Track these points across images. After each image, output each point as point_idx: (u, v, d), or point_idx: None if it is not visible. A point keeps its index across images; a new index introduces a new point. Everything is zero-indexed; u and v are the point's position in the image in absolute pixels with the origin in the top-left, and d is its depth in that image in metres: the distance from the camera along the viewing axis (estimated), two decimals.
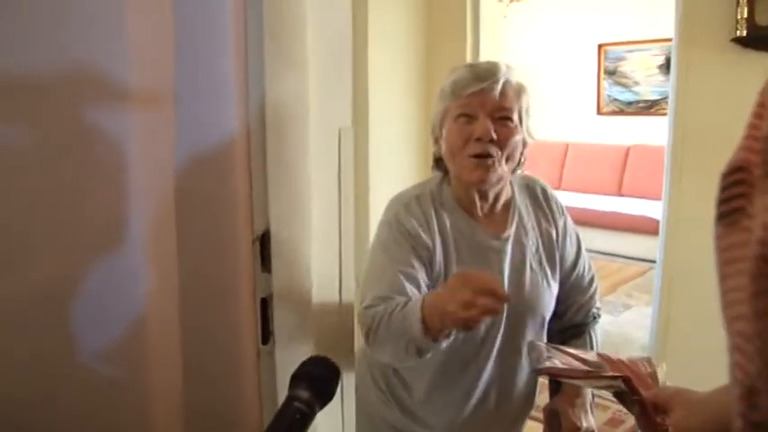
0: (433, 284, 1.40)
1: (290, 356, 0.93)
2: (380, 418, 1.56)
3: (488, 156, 1.37)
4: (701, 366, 2.70)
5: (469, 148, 1.39)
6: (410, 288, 1.34)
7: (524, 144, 1.45)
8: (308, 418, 0.78)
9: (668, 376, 2.78)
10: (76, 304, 0.80)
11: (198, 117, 0.87)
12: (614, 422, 3.24)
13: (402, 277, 1.35)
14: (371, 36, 3.09)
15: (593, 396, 1.58)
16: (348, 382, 1.15)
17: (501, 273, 1.44)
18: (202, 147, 0.88)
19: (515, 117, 1.40)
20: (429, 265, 1.40)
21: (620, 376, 0.94)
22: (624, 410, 3.29)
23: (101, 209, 0.83)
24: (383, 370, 1.54)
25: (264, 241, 0.95)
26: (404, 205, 1.44)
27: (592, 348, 1.57)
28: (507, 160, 1.40)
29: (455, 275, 1.19)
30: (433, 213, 1.44)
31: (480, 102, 1.37)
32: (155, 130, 0.84)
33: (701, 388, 2.69)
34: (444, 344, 1.23)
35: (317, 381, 0.82)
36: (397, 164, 3.29)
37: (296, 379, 0.82)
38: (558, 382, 1.58)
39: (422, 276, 1.38)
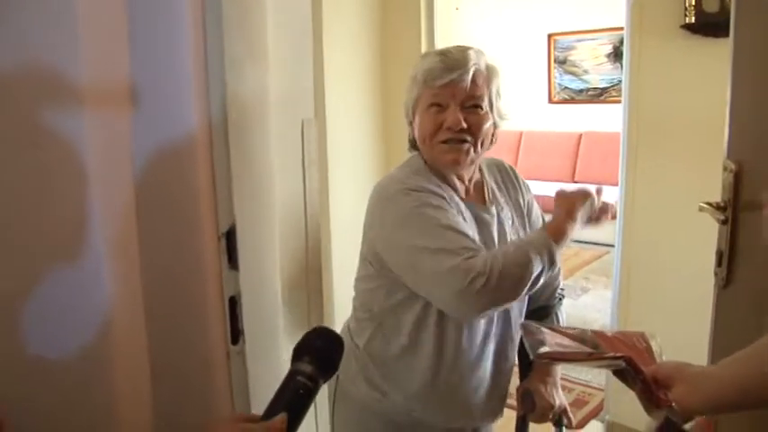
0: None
1: (262, 356, 0.90)
2: (375, 415, 1.53)
3: (460, 141, 1.39)
4: (661, 341, 2.75)
5: (440, 135, 1.40)
6: (473, 236, 1.36)
7: (495, 126, 1.47)
8: (311, 392, 0.76)
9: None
10: (39, 307, 0.77)
11: (156, 112, 0.84)
12: (579, 403, 3.29)
13: (461, 229, 1.32)
14: (326, 30, 3.05)
15: (563, 387, 1.60)
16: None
17: (493, 243, 1.46)
18: (162, 143, 0.85)
19: (485, 104, 1.42)
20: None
21: (623, 356, 0.94)
22: (588, 392, 3.35)
23: (60, 212, 0.79)
24: (378, 364, 1.50)
25: (230, 238, 0.92)
26: (401, 181, 1.39)
27: None
28: (481, 146, 1.43)
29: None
30: (437, 181, 1.43)
31: (451, 92, 1.38)
32: (112, 128, 0.80)
33: None
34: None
35: (320, 353, 0.79)
36: (354, 156, 3.26)
37: (298, 351, 0.79)
38: (528, 362, 1.60)
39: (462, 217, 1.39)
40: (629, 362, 0.93)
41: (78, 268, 0.79)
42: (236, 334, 0.94)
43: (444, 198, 1.38)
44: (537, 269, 1.28)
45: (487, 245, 1.42)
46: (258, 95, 0.93)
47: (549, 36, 7.09)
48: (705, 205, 1.34)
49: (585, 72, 7.00)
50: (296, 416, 0.74)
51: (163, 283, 0.86)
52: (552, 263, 1.30)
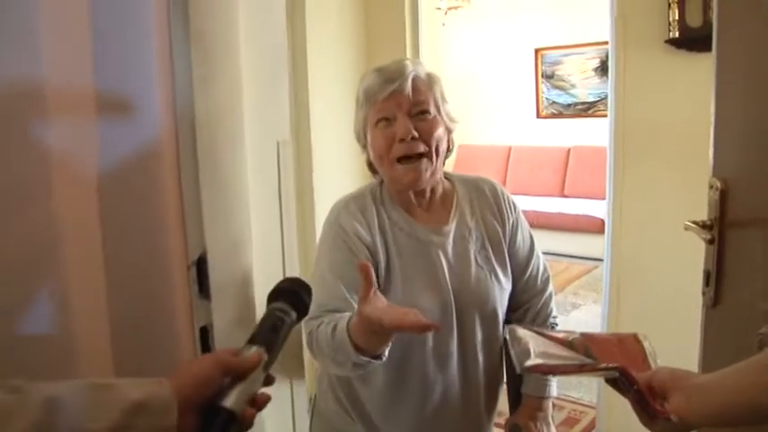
0: (379, 280, 1.37)
1: None
2: None
3: (416, 156, 1.38)
4: None
5: (395, 150, 1.38)
6: (350, 294, 1.34)
7: (448, 131, 1.46)
8: (287, 323, 0.84)
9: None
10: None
11: (120, 130, 0.80)
12: (570, 421, 3.25)
13: (342, 285, 1.35)
14: (310, 46, 3.04)
15: (553, 406, 1.56)
16: (299, 404, 1.09)
17: (443, 267, 1.42)
18: (126, 164, 0.82)
19: (432, 108, 1.40)
20: (373, 262, 1.37)
21: (616, 367, 0.90)
22: (580, 410, 3.31)
23: (22, 228, 0.75)
24: (344, 384, 1.48)
25: (201, 266, 0.88)
26: (344, 206, 1.44)
27: None
28: (436, 154, 1.41)
29: (371, 320, 1.13)
30: (373, 211, 1.44)
31: (395, 102, 1.37)
32: (76, 148, 0.77)
33: None
34: (385, 354, 1.23)
35: (292, 294, 0.87)
36: (340, 174, 3.23)
37: (273, 294, 0.87)
38: (517, 393, 1.55)
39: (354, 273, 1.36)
40: (622, 371, 0.89)
41: (39, 302, 0.76)
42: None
43: (358, 235, 1.39)
44: (342, 368, 1.30)
45: (432, 269, 1.42)
46: (230, 114, 0.90)
47: (537, 51, 7.12)
48: (691, 224, 1.32)
49: (573, 86, 7.03)
50: (275, 344, 0.82)
51: (129, 315, 0.82)
52: (360, 367, 1.26)
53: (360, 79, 1.46)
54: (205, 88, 0.86)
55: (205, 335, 0.90)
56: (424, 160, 1.38)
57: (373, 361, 1.22)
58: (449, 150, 1.47)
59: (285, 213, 1.02)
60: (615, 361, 0.93)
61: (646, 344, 1.06)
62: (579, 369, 0.99)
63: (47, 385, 0.64)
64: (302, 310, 0.88)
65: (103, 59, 0.77)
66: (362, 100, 1.42)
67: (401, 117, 1.37)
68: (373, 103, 1.39)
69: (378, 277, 1.36)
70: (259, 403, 0.78)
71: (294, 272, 1.05)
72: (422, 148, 1.37)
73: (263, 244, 0.97)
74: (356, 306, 1.31)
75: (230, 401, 0.73)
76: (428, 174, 1.40)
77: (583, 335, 1.07)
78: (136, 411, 0.66)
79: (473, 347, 1.46)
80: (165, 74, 0.83)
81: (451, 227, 1.46)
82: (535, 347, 1.02)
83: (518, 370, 0.99)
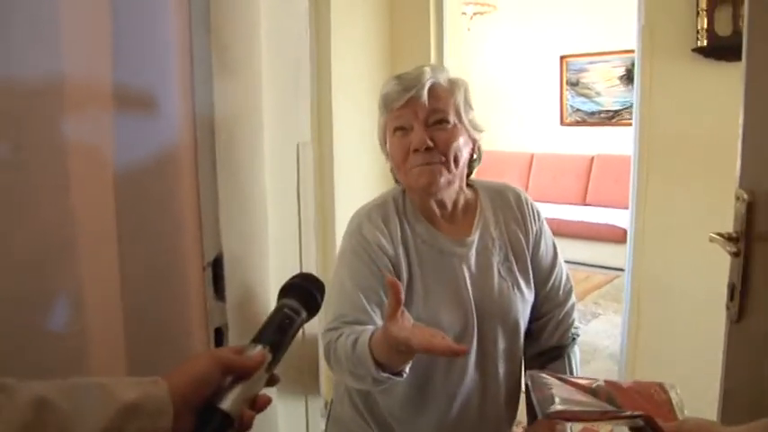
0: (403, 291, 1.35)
1: None
2: None
3: (430, 164, 1.35)
4: (670, 374, 2.69)
5: (411, 160, 1.35)
6: (371, 307, 1.31)
7: (473, 140, 1.42)
8: (295, 321, 0.81)
9: (637, 377, 2.77)
10: (10, 330, 0.73)
11: (138, 130, 0.80)
12: None
13: (362, 296, 1.32)
14: (334, 49, 3.05)
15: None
16: (313, 409, 1.08)
17: (465, 279, 1.40)
18: (143, 163, 0.81)
19: (452, 117, 1.36)
20: (395, 275, 1.35)
21: (641, 415, 0.87)
22: None
23: (37, 225, 0.75)
24: (361, 391, 1.47)
25: (217, 267, 0.88)
26: (366, 215, 1.41)
27: (571, 373, 1.53)
28: (455, 164, 1.37)
29: (399, 341, 1.09)
30: (396, 222, 1.41)
31: (412, 111, 1.34)
32: (93, 148, 0.77)
33: None
34: (406, 370, 1.19)
35: (304, 291, 0.85)
36: (362, 178, 3.23)
37: (284, 290, 0.85)
38: (534, 414, 1.53)
39: (383, 292, 1.33)
40: (648, 420, 0.86)
41: (55, 299, 0.76)
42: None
43: (381, 247, 1.36)
44: (361, 382, 1.26)
45: (454, 282, 1.39)
46: (249, 116, 0.90)
47: (562, 58, 7.08)
48: (716, 236, 1.29)
49: (598, 94, 6.97)
50: (281, 343, 0.79)
51: (143, 316, 0.82)
52: (380, 383, 1.21)
53: (382, 85, 1.44)
54: (224, 87, 0.85)
55: (220, 336, 0.90)
56: (440, 166, 1.35)
57: (394, 378, 1.18)
58: (474, 160, 1.45)
59: (303, 216, 1.01)
60: (640, 409, 0.91)
61: (672, 393, 1.03)
62: (602, 416, 0.96)
63: (37, 384, 0.62)
64: (313, 309, 0.86)
65: (122, 57, 0.77)
66: (381, 107, 1.40)
67: (417, 126, 1.34)
68: (390, 110, 1.37)
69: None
70: (259, 405, 0.75)
71: (311, 270, 1.04)
72: (438, 158, 1.34)
73: (280, 247, 0.96)
74: (376, 318, 1.31)
75: (227, 403, 0.70)
76: (444, 180, 1.36)
77: (606, 382, 1.05)
78: (129, 412, 0.64)
79: (494, 359, 1.44)
80: (184, 72, 0.83)
81: (474, 237, 1.43)
82: (558, 393, 1.00)
83: (540, 415, 0.97)
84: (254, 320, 0.93)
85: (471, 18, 6.54)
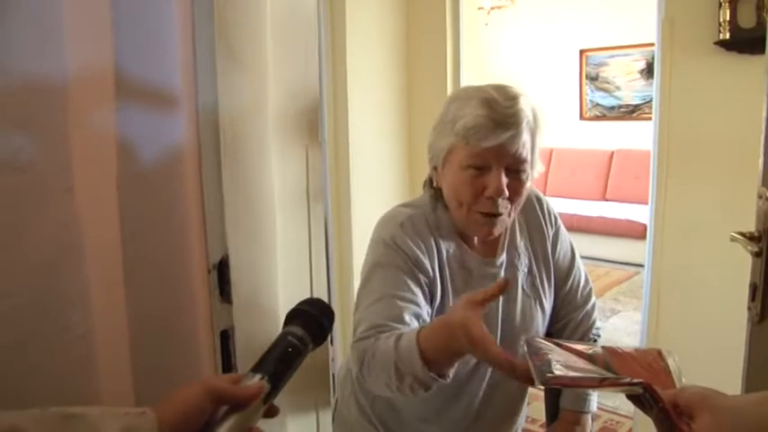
0: (433, 314, 1.30)
1: None
2: None
3: (498, 214, 1.27)
4: (690, 373, 2.65)
5: (480, 204, 1.26)
6: (409, 317, 1.22)
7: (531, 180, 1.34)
8: (300, 352, 0.77)
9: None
10: (15, 335, 0.72)
11: (141, 131, 0.79)
12: (606, 431, 3.18)
13: (400, 304, 1.22)
14: (350, 45, 3.03)
15: (593, 419, 1.51)
16: (324, 420, 1.07)
17: (497, 301, 1.35)
18: (146, 164, 0.80)
19: (529, 166, 1.27)
20: (429, 292, 1.29)
21: (641, 382, 0.85)
22: (616, 420, 3.24)
23: (39, 239, 0.75)
24: (368, 395, 1.46)
25: (222, 269, 0.86)
26: (400, 226, 1.32)
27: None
28: (516, 209, 1.31)
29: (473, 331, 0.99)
30: (431, 237, 1.32)
31: (496, 155, 1.22)
32: (96, 149, 0.76)
33: None
34: (450, 374, 1.11)
35: (311, 319, 0.80)
36: (378, 178, 3.22)
37: (291, 317, 0.81)
38: (555, 405, 1.51)
39: (422, 303, 1.26)
40: (647, 387, 0.84)
41: (59, 302, 0.75)
42: (229, 370, 0.88)
43: (418, 262, 1.28)
44: (400, 384, 1.13)
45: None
46: (255, 115, 0.88)
47: (581, 52, 7.02)
48: (737, 235, 1.25)
49: (618, 88, 6.90)
50: (283, 374, 0.75)
51: (148, 318, 0.81)
52: (423, 384, 1.10)
53: (456, 97, 1.30)
54: (229, 85, 0.83)
55: (226, 339, 0.89)
56: (504, 218, 1.29)
57: (438, 379, 1.08)
58: None
59: (313, 217, 1.00)
60: (637, 376, 0.88)
61: (670, 360, 0.99)
62: (601, 383, 0.93)
63: (10, 415, 0.58)
64: (320, 339, 0.81)
65: (124, 54, 0.76)
66: (459, 131, 1.24)
67: (496, 171, 1.23)
68: (472, 145, 1.23)
69: (434, 310, 1.31)
70: None
71: (321, 276, 1.02)
72: (506, 208, 1.26)
73: (288, 248, 0.95)
74: (405, 322, 1.21)
75: None
76: (502, 229, 1.32)
77: (604, 348, 1.02)
78: None
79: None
80: (187, 70, 0.82)
81: (503, 257, 1.39)
82: (556, 359, 0.97)
83: (537, 383, 0.94)
84: (261, 323, 0.92)
85: (489, 13, 6.50)
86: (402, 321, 1.20)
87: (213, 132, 0.83)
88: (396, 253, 1.28)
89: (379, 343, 1.16)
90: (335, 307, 3.03)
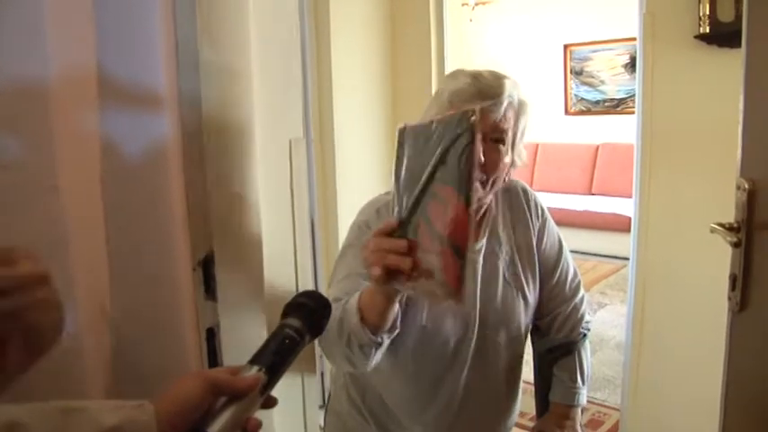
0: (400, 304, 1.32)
1: None
2: None
3: None
4: (675, 364, 2.69)
5: None
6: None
7: (512, 164, 1.35)
8: (297, 343, 0.78)
9: (641, 373, 2.73)
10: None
11: (125, 127, 0.79)
12: (594, 423, 3.20)
13: (364, 282, 1.22)
14: (334, 42, 3.03)
15: (583, 412, 1.53)
16: (310, 413, 1.08)
17: (473, 288, 1.37)
18: (130, 161, 0.80)
19: (508, 140, 1.29)
20: None
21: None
22: (604, 412, 3.26)
23: (24, 236, 0.74)
24: (360, 387, 1.47)
25: (207, 266, 0.87)
26: (376, 210, 1.35)
27: (581, 371, 1.51)
28: (491, 185, 1.31)
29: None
30: None
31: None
32: (80, 147, 0.76)
33: (676, 385, 2.65)
34: (386, 339, 1.12)
35: (308, 311, 0.81)
36: (364, 172, 3.22)
37: (288, 308, 0.82)
38: (545, 399, 1.52)
39: None
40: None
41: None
42: (215, 367, 0.89)
43: None
44: (348, 348, 1.13)
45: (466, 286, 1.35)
46: (239, 111, 0.88)
47: (565, 47, 7.04)
48: (717, 227, 1.27)
49: (602, 83, 6.94)
50: (279, 366, 0.75)
51: (133, 317, 0.81)
52: (361, 342, 1.11)
53: (447, 76, 1.35)
54: (212, 81, 0.84)
55: (212, 336, 0.89)
56: (479, 184, 1.27)
57: (375, 338, 1.09)
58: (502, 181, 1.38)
59: (298, 213, 1.00)
60: None
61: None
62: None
63: (9, 408, 0.58)
64: (318, 332, 0.82)
65: (107, 53, 0.76)
66: (444, 99, 1.28)
67: (476, 139, 1.27)
68: (454, 106, 1.24)
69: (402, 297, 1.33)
70: (250, 429, 0.71)
71: (306, 271, 1.03)
72: (480, 177, 1.25)
73: (274, 245, 0.95)
74: None
75: (216, 427, 0.67)
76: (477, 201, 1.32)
77: None
78: None
79: (493, 359, 1.43)
80: (170, 66, 0.82)
81: (483, 242, 1.40)
82: None
83: None
84: (248, 320, 0.92)
85: (473, 8, 6.51)
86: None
87: (196, 129, 0.83)
88: (366, 235, 1.27)
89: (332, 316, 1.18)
90: None
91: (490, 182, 1.30)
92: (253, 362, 0.74)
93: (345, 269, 1.30)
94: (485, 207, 1.41)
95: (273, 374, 0.74)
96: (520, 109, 1.31)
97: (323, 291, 2.68)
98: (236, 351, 0.90)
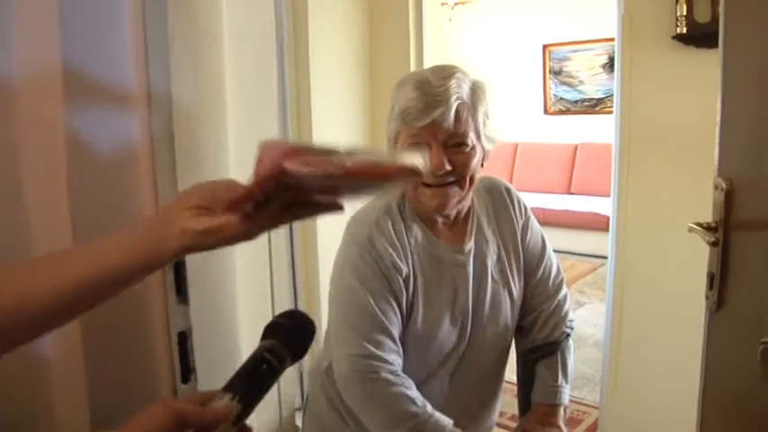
0: (403, 311, 1.34)
1: None
2: None
3: (445, 184, 1.30)
4: (654, 362, 2.70)
5: (424, 179, 1.28)
6: (391, 326, 1.30)
7: (484, 154, 1.36)
8: (275, 370, 0.72)
9: (620, 371, 2.74)
10: None
11: (92, 128, 0.77)
12: (573, 422, 3.21)
13: (383, 317, 1.29)
14: (312, 42, 3.01)
15: (566, 411, 1.53)
16: (286, 414, 1.06)
17: (465, 288, 1.38)
18: (98, 164, 0.78)
19: (470, 139, 1.30)
20: (403, 292, 1.33)
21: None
22: (583, 410, 3.28)
23: None
24: (337, 389, 1.45)
25: (178, 269, 0.84)
26: (375, 224, 1.34)
27: (564, 371, 1.51)
28: (469, 183, 1.32)
29: None
30: (403, 229, 1.35)
31: (432, 133, 1.26)
32: (44, 149, 0.74)
33: (654, 384, 2.66)
34: None
35: (290, 333, 0.75)
36: None
37: (269, 330, 0.76)
38: (528, 398, 1.52)
39: (397, 312, 1.32)
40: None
41: None
42: (187, 372, 0.86)
43: (393, 268, 1.31)
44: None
45: (453, 294, 1.37)
46: (212, 109, 0.86)
47: (545, 47, 7.08)
48: (695, 226, 1.27)
49: (581, 83, 6.98)
50: (255, 393, 0.70)
51: (101, 321, 0.79)
52: None
53: (397, 85, 1.35)
54: (184, 79, 0.81)
55: (184, 340, 0.87)
56: (454, 187, 1.31)
57: None
58: (481, 167, 1.40)
59: None
60: None
61: None
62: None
63: None
64: (299, 353, 0.76)
65: (72, 51, 0.74)
66: (397, 115, 1.30)
67: (435, 148, 1.27)
68: (408, 125, 1.28)
69: (407, 305, 1.34)
70: None
71: (282, 274, 1.01)
72: (452, 178, 1.30)
73: (248, 246, 0.93)
74: (395, 335, 1.31)
75: None
76: (455, 200, 1.33)
77: None
78: None
79: (482, 355, 1.44)
80: (139, 64, 0.79)
81: (471, 243, 1.41)
82: None
83: None
84: (220, 324, 0.90)
85: (453, 8, 6.51)
86: (387, 332, 1.29)
87: (167, 129, 0.80)
88: (375, 260, 1.31)
89: (392, 394, 1.28)
90: (301, 305, 3.01)
91: (466, 181, 1.31)
92: (227, 389, 0.68)
93: (359, 300, 1.30)
94: (466, 207, 1.41)
95: (248, 403, 0.68)
96: (474, 100, 1.31)
97: (301, 291, 2.65)
98: (208, 355, 0.88)
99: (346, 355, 1.30)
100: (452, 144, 1.28)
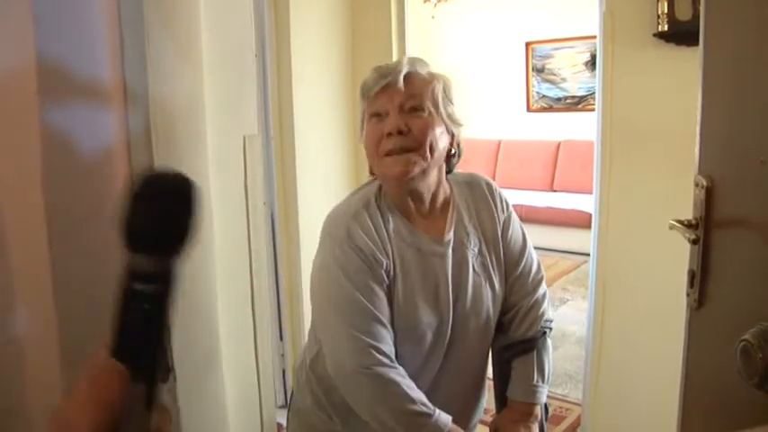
0: (387, 291, 1.35)
1: (195, 392, 0.82)
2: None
3: (403, 150, 1.32)
4: (636, 359, 2.72)
5: (383, 145, 1.33)
6: (381, 315, 1.31)
7: (451, 134, 1.39)
8: (156, 298, 0.51)
9: (603, 368, 2.75)
10: None
11: (67, 125, 0.75)
12: (556, 419, 3.23)
13: (373, 308, 1.31)
14: (294, 39, 2.99)
15: (547, 410, 1.53)
16: (267, 411, 1.05)
17: (445, 278, 1.38)
18: (74, 161, 0.76)
19: (428, 105, 1.35)
20: (385, 282, 1.34)
21: None
22: (566, 407, 3.29)
23: None
24: (324, 383, 1.44)
25: None
26: (353, 218, 1.35)
27: (541, 368, 1.49)
28: (431, 152, 1.34)
29: None
30: (381, 222, 1.37)
31: (388, 97, 1.34)
32: (17, 147, 0.72)
33: (636, 380, 2.68)
34: None
35: (157, 239, 0.50)
36: (324, 167, 3.19)
37: (128, 237, 0.51)
38: (504, 395, 1.52)
39: (384, 299, 1.34)
40: None
41: None
42: (167, 371, 0.85)
43: (374, 259, 1.33)
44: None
45: (434, 283, 1.38)
46: (190, 105, 0.85)
47: (527, 44, 7.10)
48: (675, 223, 1.28)
49: (563, 80, 7.01)
50: (150, 352, 0.52)
51: (78, 315, 0.77)
52: None
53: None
54: (161, 74, 0.80)
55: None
56: (413, 154, 1.32)
57: None
58: (454, 156, 1.44)
59: (252, 211, 0.97)
60: None
61: None
62: None
63: None
64: (183, 238, 0.51)
65: (47, 47, 0.72)
66: (360, 96, 1.40)
67: (392, 112, 1.33)
68: (367, 98, 1.37)
69: (387, 296, 1.35)
70: None
71: (262, 268, 1.00)
72: (412, 144, 1.32)
73: (227, 243, 0.92)
74: (386, 322, 1.31)
75: None
76: (417, 169, 1.33)
77: None
78: None
79: (465, 349, 1.44)
80: (115, 59, 0.77)
81: (450, 234, 1.42)
82: None
83: None
84: (199, 322, 0.89)
85: (435, 5, 6.51)
86: (379, 321, 1.31)
87: (144, 126, 0.79)
88: (356, 254, 1.32)
89: (394, 389, 1.28)
90: (284, 302, 2.99)
91: (426, 148, 1.33)
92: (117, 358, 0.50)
93: (348, 295, 1.31)
94: (443, 197, 1.42)
95: (148, 371, 0.50)
96: (429, 77, 1.38)
97: (283, 286, 2.62)
98: (187, 352, 0.86)
99: (345, 350, 1.31)
100: (409, 108, 1.33)
